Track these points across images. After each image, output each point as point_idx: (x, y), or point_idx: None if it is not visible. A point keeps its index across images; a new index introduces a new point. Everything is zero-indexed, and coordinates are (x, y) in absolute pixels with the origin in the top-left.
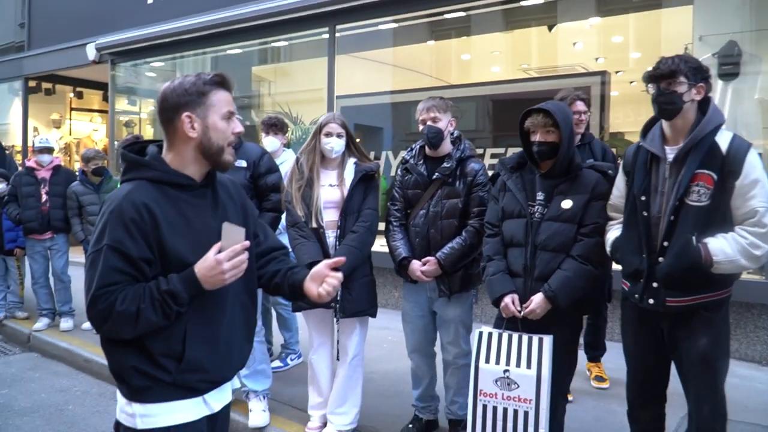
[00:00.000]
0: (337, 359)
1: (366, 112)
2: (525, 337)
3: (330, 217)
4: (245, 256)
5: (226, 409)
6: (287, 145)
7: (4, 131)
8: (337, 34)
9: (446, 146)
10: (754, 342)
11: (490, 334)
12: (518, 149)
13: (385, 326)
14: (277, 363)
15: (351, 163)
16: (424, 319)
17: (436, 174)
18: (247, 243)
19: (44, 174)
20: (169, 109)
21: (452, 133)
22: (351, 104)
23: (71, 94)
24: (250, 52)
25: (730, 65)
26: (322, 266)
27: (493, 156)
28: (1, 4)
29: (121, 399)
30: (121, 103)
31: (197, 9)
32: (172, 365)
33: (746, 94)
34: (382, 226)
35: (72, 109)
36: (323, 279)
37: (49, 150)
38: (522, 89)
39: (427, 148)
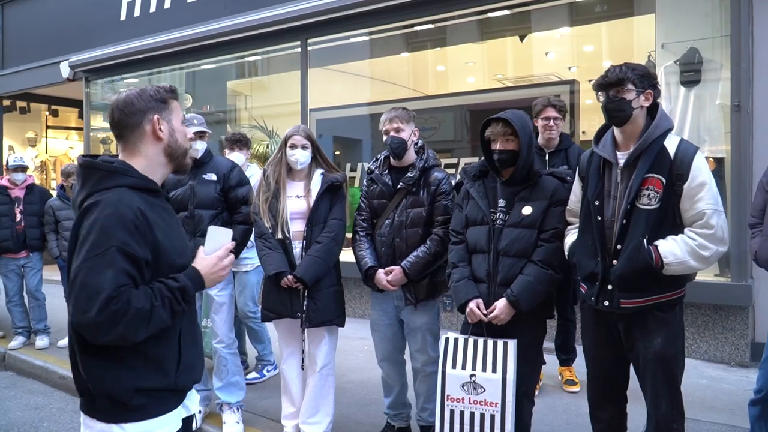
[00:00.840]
0: (302, 368)
1: (344, 125)
2: (490, 342)
3: (297, 227)
4: (232, 256)
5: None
6: (262, 159)
7: None
8: (309, 48)
9: (410, 156)
10: (722, 343)
11: (456, 340)
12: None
13: (361, 336)
14: (253, 375)
15: (318, 174)
16: (392, 328)
17: (401, 184)
18: (233, 243)
19: (18, 193)
20: (136, 113)
21: (416, 143)
22: (327, 117)
23: (46, 112)
24: (226, 67)
25: (692, 72)
26: None
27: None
28: None
29: (97, 425)
30: (97, 120)
31: (171, 25)
32: (172, 368)
33: (708, 100)
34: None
35: (48, 127)
36: None
37: (23, 168)
38: (497, 99)
39: (391, 159)
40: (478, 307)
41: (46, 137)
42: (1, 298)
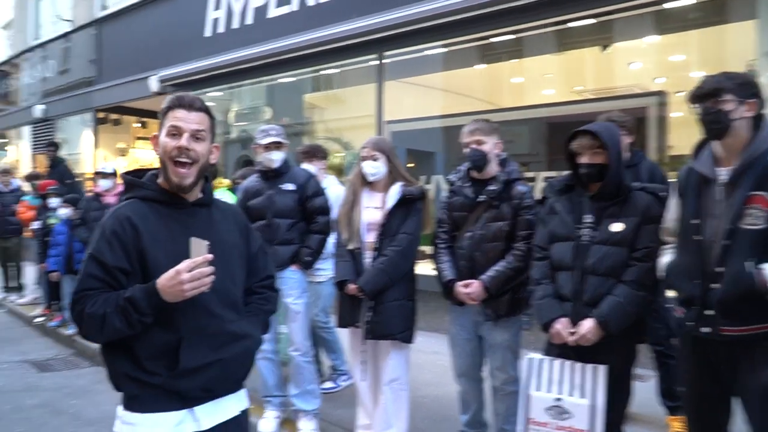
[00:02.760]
0: (363, 380)
1: (417, 137)
2: (578, 365)
3: (370, 238)
4: (208, 269)
5: (224, 429)
6: (340, 171)
7: (76, 160)
8: (385, 60)
9: (492, 169)
10: None
11: (540, 361)
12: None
13: (436, 350)
14: (329, 384)
15: (397, 187)
16: (470, 343)
17: (482, 196)
18: (209, 256)
19: (110, 200)
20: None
21: (499, 156)
22: (401, 129)
23: (136, 124)
24: (303, 80)
25: None
26: None
27: (546, 180)
28: (76, 44)
29: (118, 408)
30: None
31: (253, 40)
32: (164, 369)
33: None
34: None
35: (137, 138)
36: None
37: (104, 175)
38: (576, 111)
39: (472, 171)
40: (564, 329)
41: (135, 148)
42: None
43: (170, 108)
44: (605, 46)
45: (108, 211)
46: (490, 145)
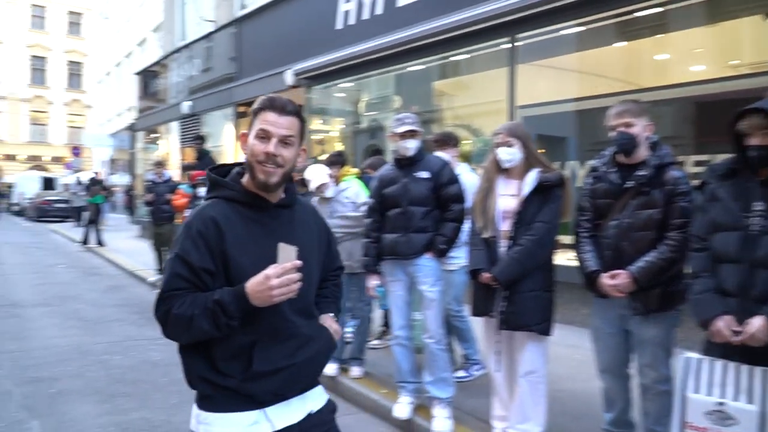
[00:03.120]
0: (497, 371)
1: (549, 122)
2: (744, 368)
3: (506, 227)
4: (296, 275)
5: (297, 429)
6: (466, 158)
7: (219, 152)
8: (518, 43)
9: (641, 153)
10: None
11: (699, 361)
12: (727, 155)
13: (571, 344)
14: (461, 373)
15: (533, 173)
16: (615, 338)
17: (630, 182)
18: (298, 262)
19: None
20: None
21: (649, 138)
22: (532, 114)
23: None
24: (432, 68)
25: None
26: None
27: (697, 164)
28: (218, 43)
29: (194, 406)
30: (314, 123)
31: (382, 30)
32: (237, 373)
33: None
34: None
35: None
36: None
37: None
38: (731, 88)
39: (618, 155)
40: (727, 327)
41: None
42: None
43: (262, 109)
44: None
45: (193, 210)
46: (640, 128)
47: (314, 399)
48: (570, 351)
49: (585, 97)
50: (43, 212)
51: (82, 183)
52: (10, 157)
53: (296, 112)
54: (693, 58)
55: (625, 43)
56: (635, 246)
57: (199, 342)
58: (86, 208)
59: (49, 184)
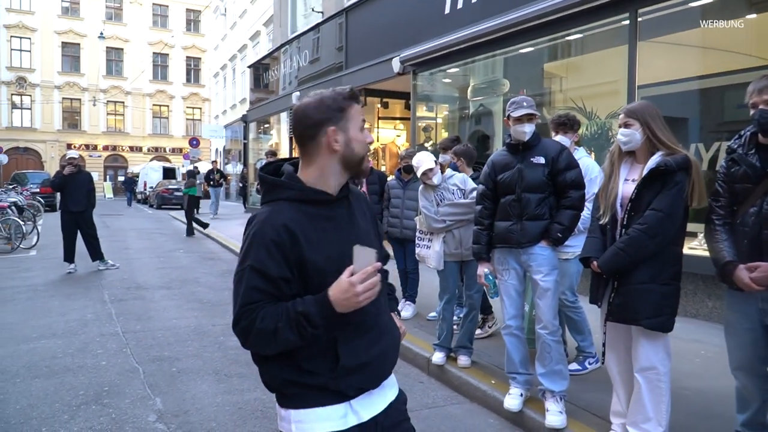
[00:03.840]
0: (600, 363)
1: (668, 102)
2: None
3: (623, 214)
4: (378, 278)
5: (381, 420)
6: (578, 143)
7: None
8: (640, 19)
9: None
10: None
11: None
12: None
13: (695, 338)
14: (575, 366)
15: (655, 157)
16: (753, 333)
17: None
18: (379, 264)
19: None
20: (313, 126)
21: None
22: (652, 94)
23: (378, 105)
24: (542, 49)
25: None
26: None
27: None
28: (325, 34)
29: (278, 408)
30: (420, 110)
31: (491, 12)
32: (326, 370)
33: None
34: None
35: (379, 117)
36: None
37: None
38: None
39: (760, 136)
40: None
41: (378, 127)
42: None
43: (349, 104)
44: None
45: (258, 216)
46: None
47: (391, 388)
48: (695, 346)
49: (709, 75)
50: (164, 200)
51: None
52: (136, 149)
53: None
54: None
55: (755, 15)
56: None
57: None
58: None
59: (169, 173)
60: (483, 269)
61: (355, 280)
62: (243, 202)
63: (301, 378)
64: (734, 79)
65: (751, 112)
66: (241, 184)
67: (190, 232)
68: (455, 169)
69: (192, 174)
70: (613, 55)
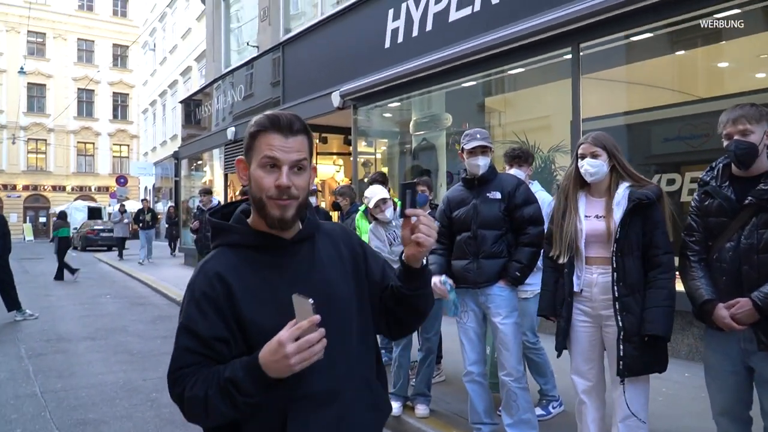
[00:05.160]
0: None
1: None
2: None
3: (593, 252)
4: (316, 335)
5: None
6: (530, 177)
7: None
8: (581, 53)
9: (762, 164)
10: None
11: None
12: None
13: (655, 375)
14: (538, 411)
15: (623, 188)
16: (736, 376)
17: (750, 198)
18: (316, 318)
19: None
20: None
21: None
22: (594, 127)
23: (317, 140)
24: (482, 84)
25: None
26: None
27: None
28: (260, 69)
29: None
30: (360, 145)
31: (432, 47)
32: None
33: None
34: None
35: (317, 153)
36: (413, 230)
37: (313, 192)
38: None
39: (734, 167)
40: None
41: (317, 163)
42: None
43: (261, 131)
44: None
45: (197, 266)
46: (759, 135)
47: None
48: (656, 384)
49: (641, 109)
50: (90, 241)
51: (124, 212)
52: (59, 188)
53: (304, 128)
54: (755, 64)
55: (679, 53)
56: (758, 270)
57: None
58: (125, 238)
59: (94, 213)
60: (438, 278)
61: (284, 339)
62: (169, 244)
63: None
64: (661, 113)
65: (725, 142)
66: (167, 224)
67: (59, 275)
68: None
69: (62, 216)
70: (553, 90)
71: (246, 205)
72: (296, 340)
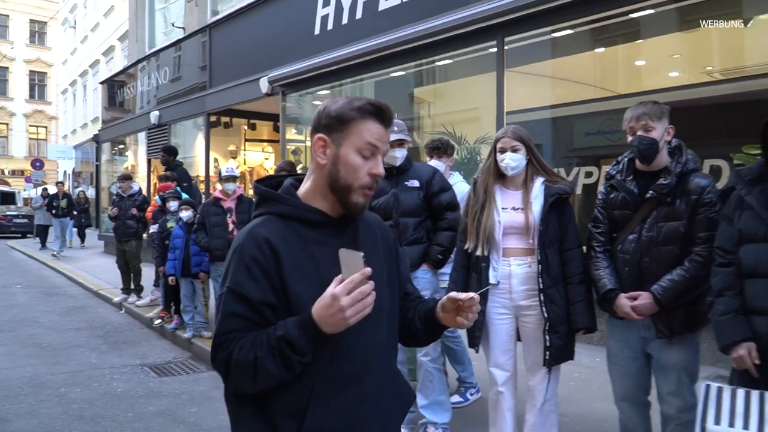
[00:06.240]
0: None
1: (530, 128)
2: None
3: (511, 243)
4: (369, 286)
5: None
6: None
7: (190, 163)
8: (506, 47)
9: (662, 159)
10: None
11: (719, 389)
12: (711, 162)
13: (571, 362)
14: (456, 398)
15: (539, 183)
16: (636, 363)
17: (651, 192)
18: (368, 270)
19: (230, 204)
20: (313, 129)
21: (670, 143)
22: (517, 120)
23: (245, 127)
24: (411, 75)
25: None
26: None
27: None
28: (187, 52)
29: None
30: (289, 133)
31: (362, 35)
32: (289, 427)
33: None
34: None
35: (246, 140)
36: (459, 309)
37: (233, 178)
38: (704, 95)
39: (637, 162)
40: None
41: (245, 150)
42: (212, 300)
43: (365, 116)
44: (747, 20)
45: (242, 230)
46: (660, 132)
47: None
48: (568, 369)
49: (561, 104)
50: (2, 228)
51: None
52: None
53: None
54: (669, 64)
55: (600, 50)
56: (657, 262)
57: (252, 395)
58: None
59: (7, 198)
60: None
61: (339, 292)
62: (78, 234)
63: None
64: (583, 108)
65: (629, 138)
66: (75, 212)
67: None
68: None
69: None
70: (480, 82)
71: (292, 179)
72: (349, 294)
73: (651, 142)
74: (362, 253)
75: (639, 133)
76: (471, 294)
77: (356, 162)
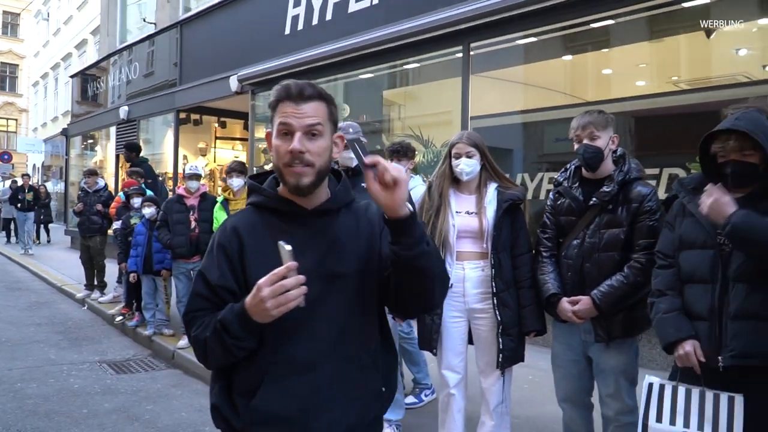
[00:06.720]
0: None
1: (495, 134)
2: (709, 394)
3: (465, 247)
4: (292, 281)
5: None
6: (415, 171)
7: (158, 160)
8: (472, 53)
9: (607, 167)
10: None
11: (662, 387)
12: (671, 170)
13: (523, 364)
14: (411, 399)
15: (492, 188)
16: (578, 365)
17: (594, 199)
18: (293, 264)
19: (193, 201)
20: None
21: (614, 152)
22: (483, 125)
23: (216, 124)
24: (382, 76)
25: None
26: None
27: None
28: (158, 47)
29: None
30: (260, 131)
31: (332, 36)
32: (243, 408)
33: None
34: None
35: (216, 137)
36: (384, 185)
37: (197, 177)
38: (670, 104)
39: (583, 170)
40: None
41: (215, 147)
42: (173, 298)
43: (278, 101)
44: (710, 32)
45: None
46: (605, 140)
47: None
48: (523, 371)
49: (532, 109)
50: None
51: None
52: None
53: (318, 94)
54: (636, 73)
55: (569, 57)
56: (598, 268)
57: (222, 369)
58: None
59: None
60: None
61: (262, 283)
62: (37, 230)
63: (225, 410)
64: (553, 114)
65: (575, 146)
66: (35, 206)
67: None
68: None
69: None
70: (447, 86)
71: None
72: (271, 286)
73: (596, 150)
74: (290, 247)
75: (585, 141)
76: (375, 157)
77: (276, 144)
